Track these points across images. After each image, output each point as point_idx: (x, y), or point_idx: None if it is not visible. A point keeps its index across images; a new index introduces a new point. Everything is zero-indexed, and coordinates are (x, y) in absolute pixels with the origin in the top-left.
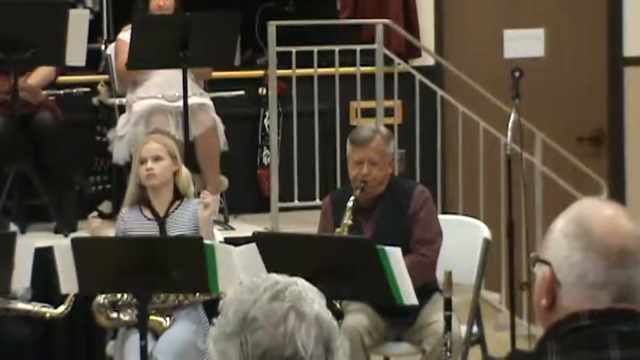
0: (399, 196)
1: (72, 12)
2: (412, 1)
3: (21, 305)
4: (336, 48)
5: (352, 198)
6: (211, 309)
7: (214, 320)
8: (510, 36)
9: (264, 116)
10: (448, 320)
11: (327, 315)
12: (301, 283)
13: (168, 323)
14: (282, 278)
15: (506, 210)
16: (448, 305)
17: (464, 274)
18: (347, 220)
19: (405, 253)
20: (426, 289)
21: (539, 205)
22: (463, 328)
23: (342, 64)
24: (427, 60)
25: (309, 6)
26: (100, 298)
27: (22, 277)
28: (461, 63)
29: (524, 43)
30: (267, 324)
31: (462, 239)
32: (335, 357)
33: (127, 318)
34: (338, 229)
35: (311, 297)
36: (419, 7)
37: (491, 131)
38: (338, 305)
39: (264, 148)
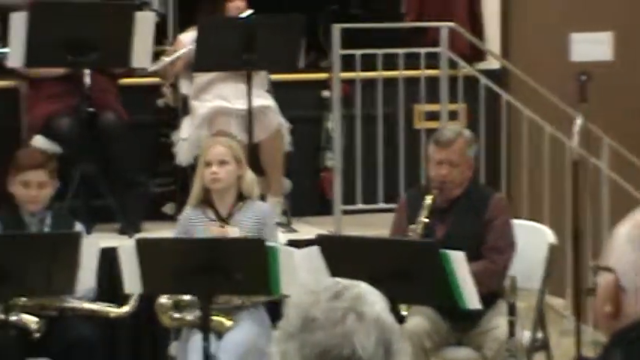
0: (475, 200)
1: (138, 14)
2: (478, 4)
3: (86, 305)
4: (401, 51)
5: (430, 196)
6: (274, 311)
7: (278, 324)
8: (577, 39)
9: (328, 119)
10: (512, 325)
11: (389, 317)
12: (363, 286)
13: (230, 324)
14: (344, 281)
15: (572, 215)
16: (512, 310)
17: (528, 279)
18: (423, 217)
19: (475, 258)
20: (490, 294)
21: (606, 211)
22: (526, 334)
23: (406, 67)
24: (492, 63)
25: (374, 9)
26: (163, 299)
27: (87, 276)
28: (526, 66)
29: (592, 46)
30: (326, 323)
31: (527, 244)
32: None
33: (189, 318)
34: (412, 226)
35: (372, 299)
36: (484, 10)
37: (557, 136)
38: (404, 312)
39: (327, 150)
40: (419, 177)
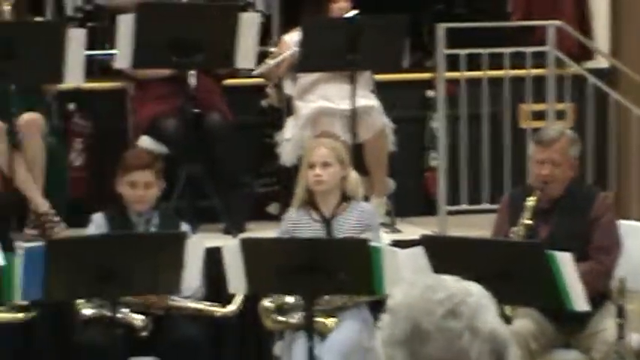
0: (579, 200)
1: (243, 15)
2: (586, 3)
3: (192, 304)
4: (506, 50)
5: (532, 198)
6: (377, 308)
7: (381, 317)
8: None
9: (432, 119)
10: (621, 328)
11: (501, 327)
12: (476, 293)
13: (333, 325)
14: (456, 286)
15: None
16: (621, 312)
17: (638, 281)
18: (525, 219)
19: (580, 258)
20: (598, 296)
21: None
22: (636, 337)
23: (512, 67)
24: (601, 62)
25: (479, 8)
26: (266, 302)
27: (192, 276)
28: (636, 65)
29: None
30: (440, 339)
31: (637, 245)
32: None
33: (292, 321)
34: (514, 228)
35: (485, 308)
36: (593, 9)
37: None
38: (509, 312)
39: (432, 150)
40: (524, 177)
